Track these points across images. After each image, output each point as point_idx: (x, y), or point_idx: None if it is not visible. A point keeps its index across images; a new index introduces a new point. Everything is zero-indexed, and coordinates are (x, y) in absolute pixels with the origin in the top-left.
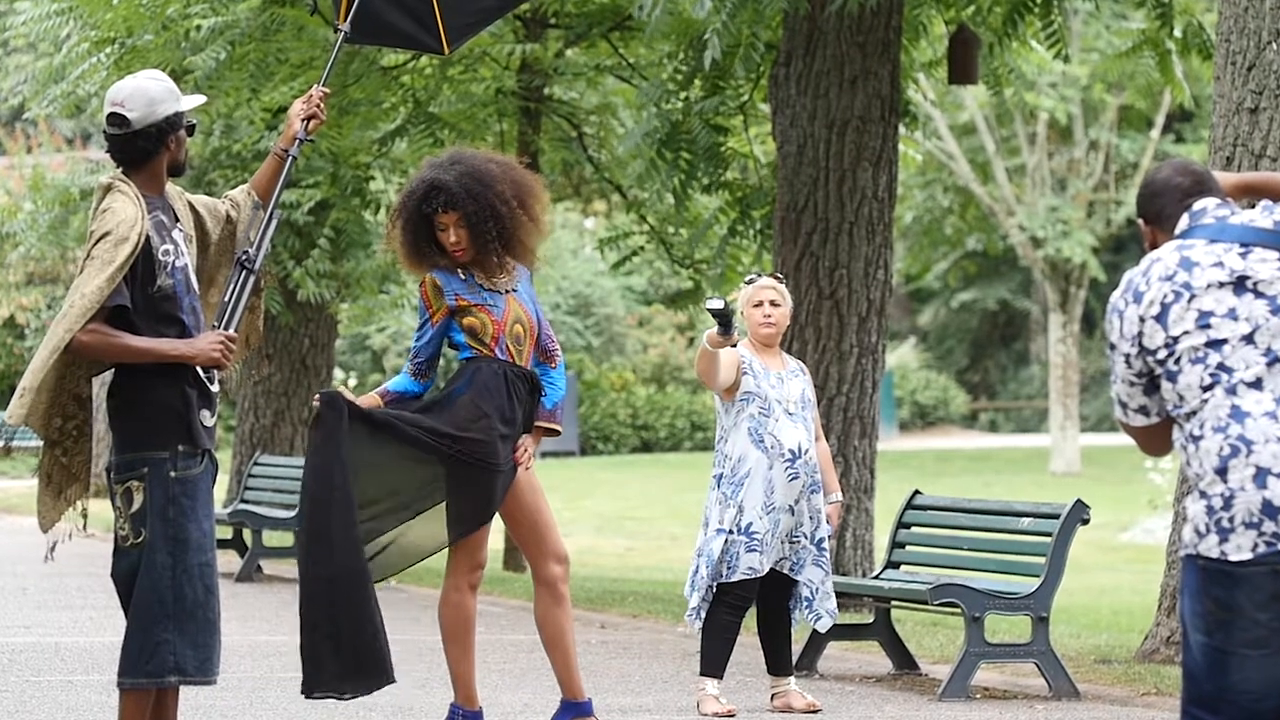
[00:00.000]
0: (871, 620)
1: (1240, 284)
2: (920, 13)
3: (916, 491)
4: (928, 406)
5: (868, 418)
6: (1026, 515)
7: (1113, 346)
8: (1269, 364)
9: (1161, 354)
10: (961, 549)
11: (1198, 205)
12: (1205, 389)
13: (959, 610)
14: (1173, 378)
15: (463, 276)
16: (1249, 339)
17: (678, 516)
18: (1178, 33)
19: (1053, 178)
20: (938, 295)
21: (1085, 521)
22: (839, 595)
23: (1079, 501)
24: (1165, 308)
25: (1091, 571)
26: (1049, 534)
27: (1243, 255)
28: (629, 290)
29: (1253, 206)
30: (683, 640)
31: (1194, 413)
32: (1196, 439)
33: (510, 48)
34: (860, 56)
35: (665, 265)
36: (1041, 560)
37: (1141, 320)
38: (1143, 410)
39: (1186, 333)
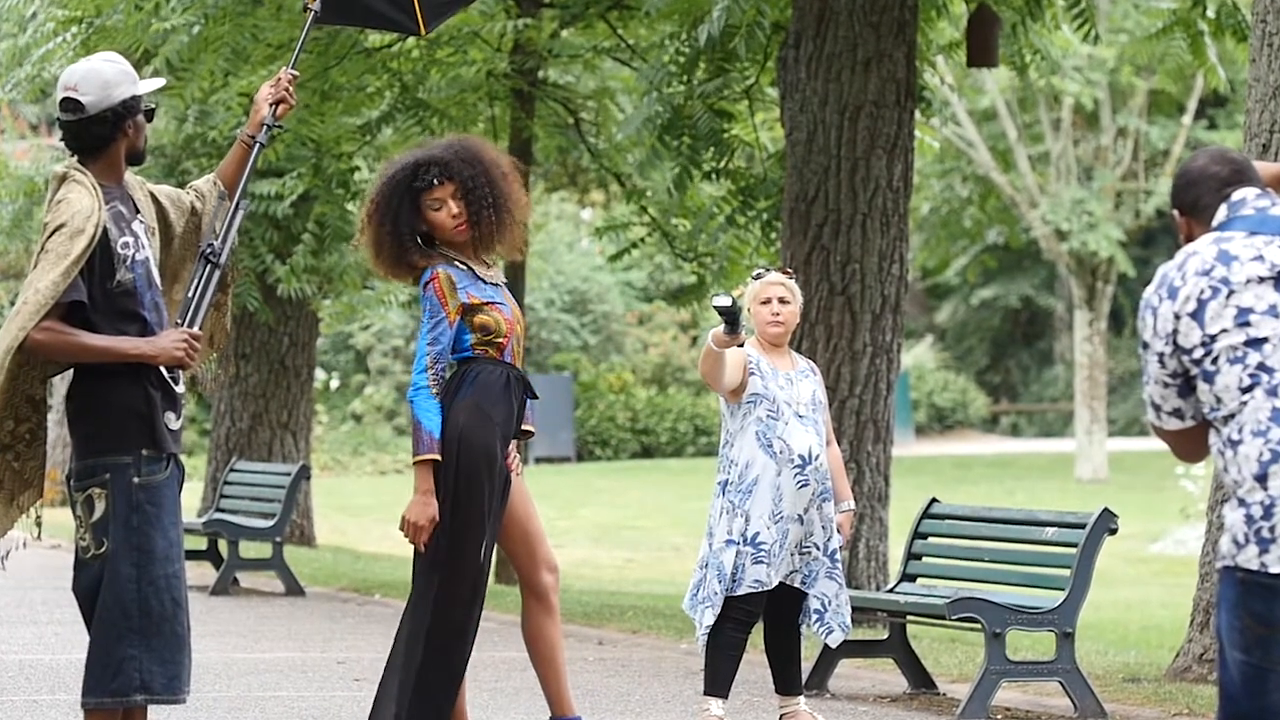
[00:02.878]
0: (886, 636)
1: None
2: None
3: (934, 500)
4: (946, 409)
5: (882, 421)
6: (1050, 525)
7: (1145, 345)
8: None
9: (1198, 353)
10: (981, 561)
11: (1236, 195)
12: (1244, 390)
13: (979, 626)
14: (1209, 378)
15: (461, 268)
16: None
17: (680, 526)
18: (1211, 13)
19: (1079, 166)
20: (956, 291)
21: (1113, 531)
22: (854, 610)
23: (1106, 510)
24: (1202, 304)
25: (1119, 585)
26: (1074, 545)
27: None
28: (628, 286)
29: None
30: (685, 658)
31: (1232, 415)
32: (1235, 444)
33: (502, 28)
34: (874, 37)
35: (667, 259)
36: (1066, 573)
37: (1176, 317)
38: (1177, 413)
39: (1224, 330)
